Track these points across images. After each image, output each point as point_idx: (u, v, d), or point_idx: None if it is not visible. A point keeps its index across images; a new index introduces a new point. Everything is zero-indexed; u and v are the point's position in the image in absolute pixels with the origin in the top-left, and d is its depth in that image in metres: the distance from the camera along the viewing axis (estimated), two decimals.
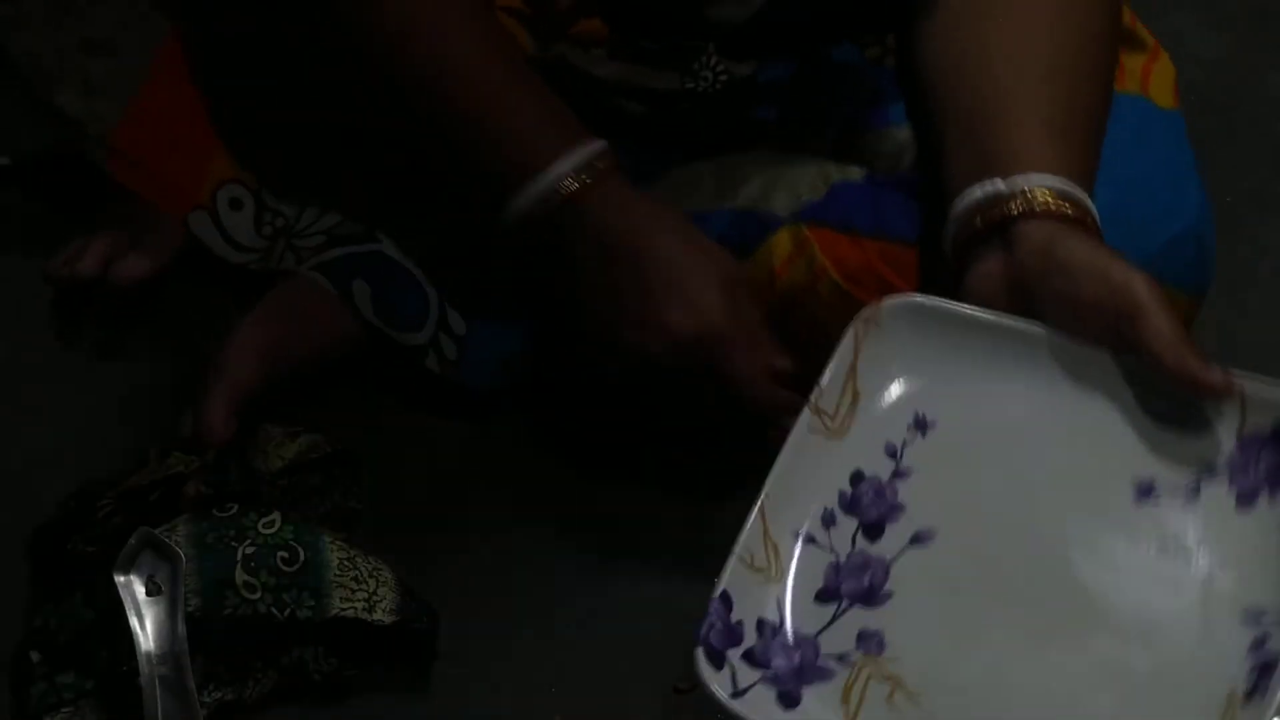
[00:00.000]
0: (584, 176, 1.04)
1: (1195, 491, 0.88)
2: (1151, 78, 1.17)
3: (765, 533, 0.89)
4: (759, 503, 0.88)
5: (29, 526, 1.14)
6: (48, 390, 1.28)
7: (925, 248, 1.13)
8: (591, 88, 1.17)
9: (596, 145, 1.05)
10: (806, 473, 0.91)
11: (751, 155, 1.20)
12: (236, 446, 1.16)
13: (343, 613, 1.07)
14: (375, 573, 1.09)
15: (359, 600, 1.07)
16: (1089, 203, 0.96)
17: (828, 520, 0.90)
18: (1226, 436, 0.89)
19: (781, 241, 1.16)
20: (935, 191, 1.08)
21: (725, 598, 0.87)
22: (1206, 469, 0.89)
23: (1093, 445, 0.90)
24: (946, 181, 1.02)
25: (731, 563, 0.87)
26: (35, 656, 1.08)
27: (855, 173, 1.17)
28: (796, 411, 0.94)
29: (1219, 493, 0.88)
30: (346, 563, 1.08)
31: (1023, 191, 0.95)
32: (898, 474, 0.91)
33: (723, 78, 1.15)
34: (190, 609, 1.06)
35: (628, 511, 1.22)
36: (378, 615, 1.07)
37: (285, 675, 1.09)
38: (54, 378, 1.29)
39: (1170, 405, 0.90)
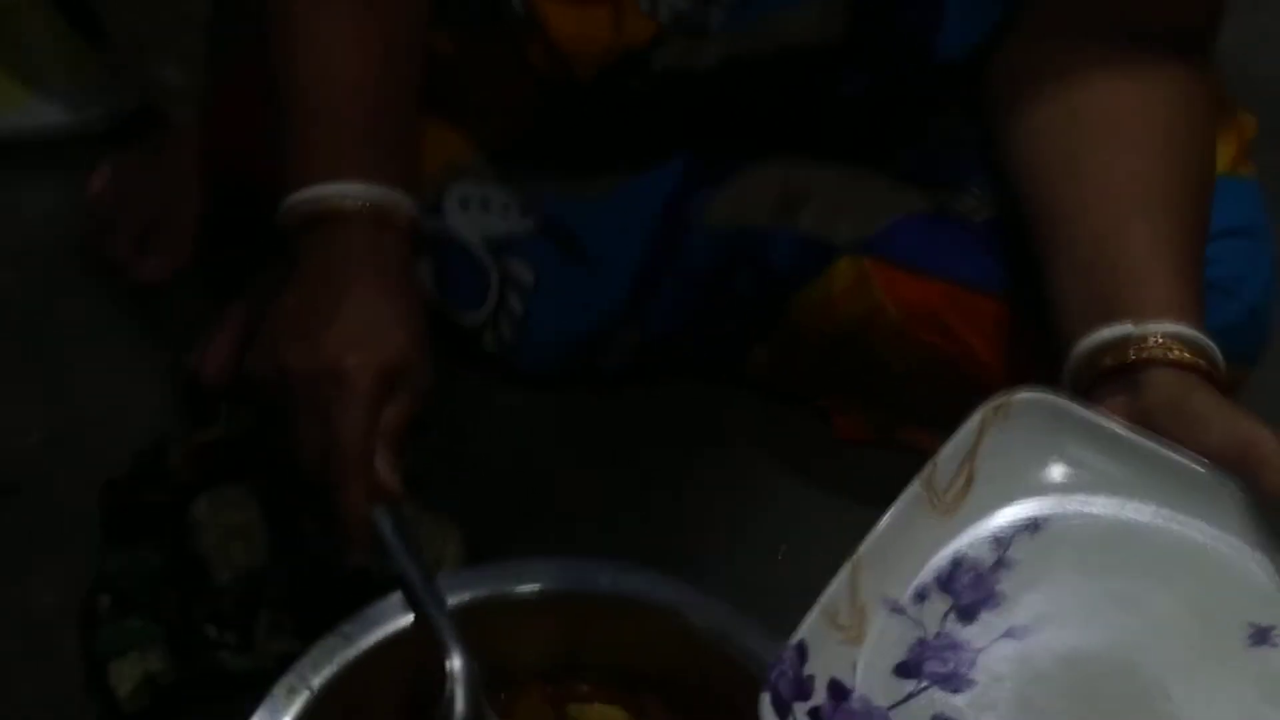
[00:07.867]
0: (349, 203, 0.99)
1: None
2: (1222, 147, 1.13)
3: (854, 592, 0.85)
4: (852, 560, 0.85)
5: (103, 476, 1.15)
6: (128, 344, 1.29)
7: (992, 297, 1.12)
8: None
9: (378, 191, 1.00)
10: (907, 542, 0.87)
11: (815, 171, 1.19)
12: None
13: None
14: (442, 533, 1.10)
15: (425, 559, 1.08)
16: (1218, 356, 0.94)
17: (920, 594, 0.87)
18: None
19: (842, 272, 1.16)
20: (1017, 248, 1.06)
21: (800, 648, 0.83)
22: None
23: (1212, 579, 0.87)
24: (1062, 307, 0.99)
25: (814, 613, 0.83)
26: (104, 601, 1.09)
27: (920, 202, 1.16)
28: (362, 503, 0.94)
29: None
30: (412, 521, 1.09)
31: (1157, 340, 0.93)
32: (1001, 563, 0.88)
33: (678, 7, 1.10)
34: (256, 563, 1.07)
35: (700, 476, 1.22)
36: None
37: None
38: (134, 332, 1.30)
39: None
